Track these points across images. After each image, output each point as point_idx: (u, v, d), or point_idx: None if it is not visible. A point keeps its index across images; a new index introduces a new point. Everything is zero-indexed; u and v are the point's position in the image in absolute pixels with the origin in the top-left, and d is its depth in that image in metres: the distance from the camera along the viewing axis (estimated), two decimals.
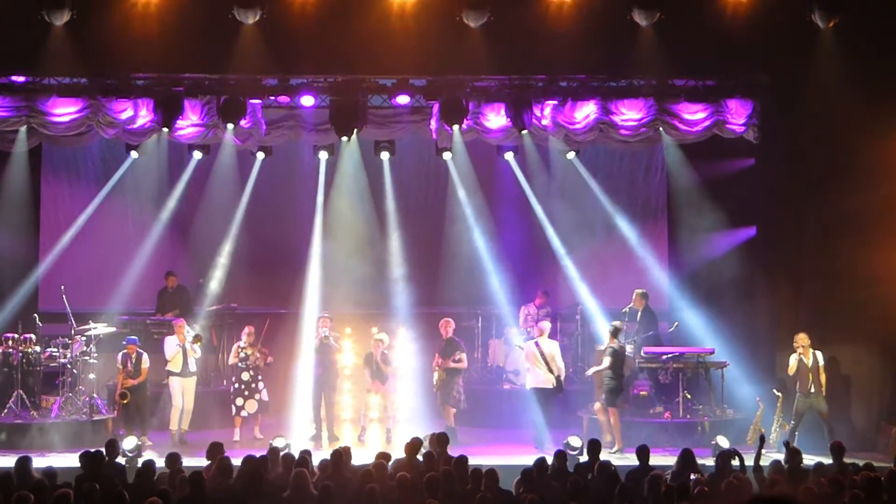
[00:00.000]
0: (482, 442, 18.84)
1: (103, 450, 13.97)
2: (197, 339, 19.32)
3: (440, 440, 14.75)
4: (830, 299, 18.82)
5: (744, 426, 18.74)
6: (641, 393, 19.89)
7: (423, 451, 14.16)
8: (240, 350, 19.46)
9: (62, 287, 19.71)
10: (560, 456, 14.05)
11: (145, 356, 19.04)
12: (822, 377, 18.17)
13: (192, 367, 19.23)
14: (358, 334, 21.69)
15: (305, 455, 13.57)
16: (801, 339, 18.20)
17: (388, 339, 20.20)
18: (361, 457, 14.77)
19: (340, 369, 20.31)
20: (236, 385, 19.45)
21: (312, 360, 19.65)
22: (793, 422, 18.16)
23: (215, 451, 13.80)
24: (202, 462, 13.95)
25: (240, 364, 19.43)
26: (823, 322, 18.75)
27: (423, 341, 20.75)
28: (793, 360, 18.22)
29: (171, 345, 19.13)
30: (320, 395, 19.39)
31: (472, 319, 22.59)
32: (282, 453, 14.12)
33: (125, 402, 18.63)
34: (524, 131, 19.72)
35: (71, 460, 16.20)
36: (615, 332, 18.92)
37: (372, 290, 21.94)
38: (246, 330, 19.72)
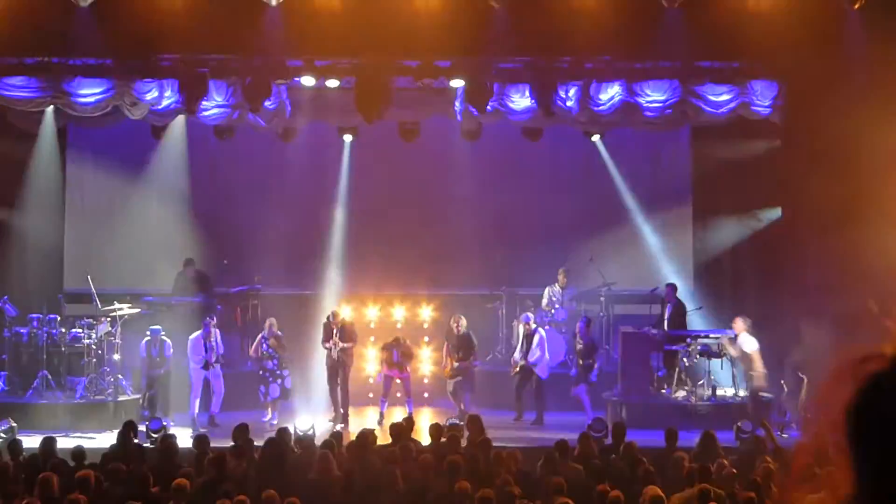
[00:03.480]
0: (504, 425, 18.85)
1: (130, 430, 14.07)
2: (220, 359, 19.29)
3: (476, 423, 14.86)
4: (857, 284, 18.69)
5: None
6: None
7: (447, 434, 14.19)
8: (263, 342, 19.43)
9: (86, 270, 19.74)
10: (584, 438, 14.06)
11: (168, 343, 19.11)
12: None
13: (213, 360, 19.15)
14: (382, 314, 21.79)
15: (334, 438, 13.66)
16: None
17: (406, 340, 20.28)
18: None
19: (356, 355, 20.29)
20: (260, 372, 19.47)
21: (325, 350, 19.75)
22: None
23: (241, 432, 13.85)
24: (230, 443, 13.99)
25: (262, 354, 19.42)
26: (849, 308, 18.62)
27: (445, 323, 20.69)
28: None
29: (196, 349, 19.01)
30: (334, 380, 19.47)
31: (496, 302, 22.54)
32: (305, 435, 14.17)
33: (151, 388, 18.81)
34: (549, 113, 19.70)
35: (96, 441, 16.37)
36: None
37: (395, 271, 21.94)
38: (268, 322, 19.72)
